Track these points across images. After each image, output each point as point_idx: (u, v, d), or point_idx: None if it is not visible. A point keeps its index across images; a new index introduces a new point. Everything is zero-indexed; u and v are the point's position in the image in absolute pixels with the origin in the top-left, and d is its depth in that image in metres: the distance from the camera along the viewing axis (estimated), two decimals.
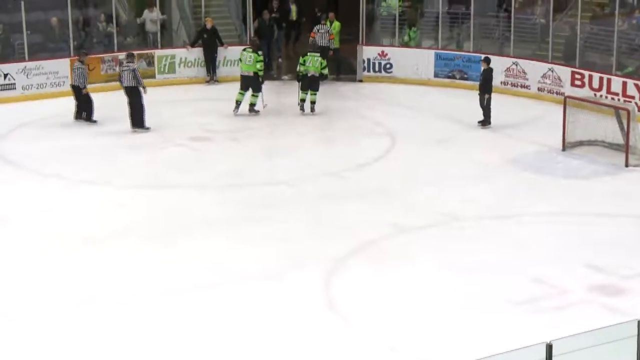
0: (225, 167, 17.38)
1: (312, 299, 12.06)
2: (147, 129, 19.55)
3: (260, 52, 20.98)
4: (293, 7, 25.34)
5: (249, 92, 20.87)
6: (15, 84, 21.94)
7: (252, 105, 20.99)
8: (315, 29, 23.08)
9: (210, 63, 23.25)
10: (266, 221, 14.70)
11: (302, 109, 21.06)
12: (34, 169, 17.22)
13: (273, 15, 24.38)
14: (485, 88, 19.52)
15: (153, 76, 23.21)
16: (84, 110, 20.26)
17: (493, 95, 19.71)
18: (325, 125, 20.39)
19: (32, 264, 13.20)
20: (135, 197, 15.90)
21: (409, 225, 14.49)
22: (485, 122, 19.62)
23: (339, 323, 11.49)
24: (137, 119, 19.63)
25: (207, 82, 23.13)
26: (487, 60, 19.80)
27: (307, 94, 21.02)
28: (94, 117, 20.21)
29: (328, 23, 23.48)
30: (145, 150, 18.40)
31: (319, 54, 21.18)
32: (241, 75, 20.98)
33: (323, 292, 12.25)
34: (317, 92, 21.14)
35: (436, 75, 23.32)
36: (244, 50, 21.15)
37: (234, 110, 20.77)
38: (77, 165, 17.36)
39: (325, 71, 21.21)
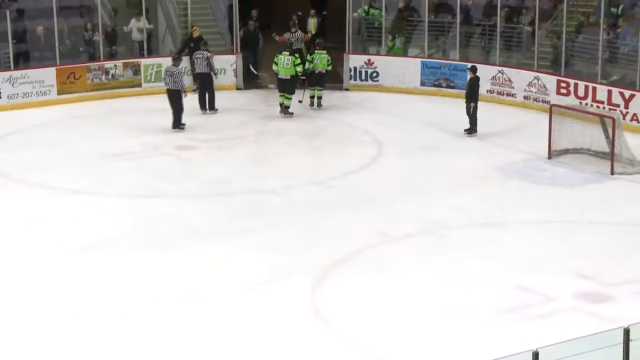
0: (213, 176, 17.36)
1: (299, 308, 12.06)
2: (216, 110, 21.49)
3: (297, 55, 21.63)
4: (312, 21, 25.04)
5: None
6: (0, 93, 21.86)
7: (286, 107, 21.44)
8: (288, 36, 22.96)
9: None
10: (253, 230, 14.69)
11: (312, 104, 21.82)
12: (20, 179, 17.15)
13: (254, 22, 24.31)
14: (472, 96, 19.58)
15: (139, 85, 23.16)
16: (174, 115, 20.34)
17: (479, 103, 19.76)
18: (312, 133, 20.42)
19: (19, 274, 13.15)
20: (123, 206, 15.86)
21: (397, 234, 14.51)
22: (472, 130, 19.68)
23: (326, 332, 11.49)
24: (211, 103, 21.45)
25: (194, 90, 23.08)
26: (474, 69, 19.88)
27: (315, 90, 21.84)
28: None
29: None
30: (132, 159, 18.34)
31: (325, 52, 21.81)
32: (278, 78, 21.41)
33: (311, 301, 12.25)
34: (324, 89, 21.98)
35: (422, 84, 23.36)
36: (280, 54, 21.44)
37: (280, 113, 21.25)
38: (63, 175, 17.31)
39: (330, 67, 22.03)
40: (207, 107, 21.54)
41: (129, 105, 22.28)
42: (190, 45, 23.03)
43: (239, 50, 23.78)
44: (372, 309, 12.05)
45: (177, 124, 20.26)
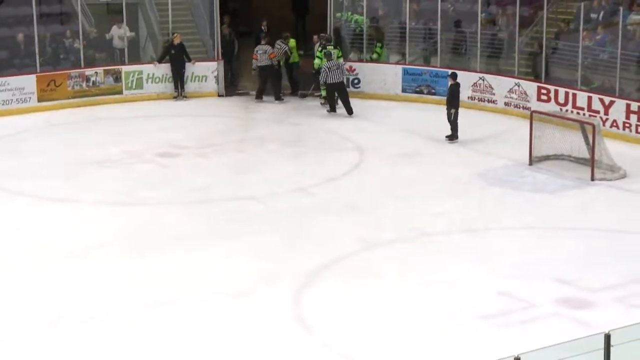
0: (194, 183, 17.33)
1: (282, 315, 12.05)
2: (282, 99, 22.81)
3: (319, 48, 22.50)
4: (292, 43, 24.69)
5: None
6: None
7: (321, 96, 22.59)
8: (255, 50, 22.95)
9: (179, 79, 23.21)
10: (235, 237, 14.68)
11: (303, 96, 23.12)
12: (0, 186, 17.05)
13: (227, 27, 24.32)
14: (452, 103, 19.64)
15: (120, 92, 23.12)
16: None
17: (460, 110, 19.82)
18: (293, 140, 20.43)
19: (2, 282, 13.06)
20: (104, 213, 15.81)
21: (378, 240, 14.53)
22: (453, 136, 19.74)
23: (308, 339, 11.48)
24: (276, 93, 22.88)
25: (175, 97, 23.08)
26: (454, 76, 19.95)
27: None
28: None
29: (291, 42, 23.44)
30: (113, 166, 18.29)
31: (333, 46, 22.36)
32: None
33: (293, 307, 12.25)
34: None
35: (404, 90, 23.43)
36: (325, 49, 22.21)
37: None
38: (44, 182, 17.24)
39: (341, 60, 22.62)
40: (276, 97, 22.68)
41: (110, 112, 22.23)
42: (171, 52, 23.01)
43: (220, 57, 23.76)
44: (354, 315, 12.06)
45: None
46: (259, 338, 11.46)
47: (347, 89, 22.66)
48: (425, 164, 18.53)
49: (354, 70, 23.71)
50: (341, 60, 22.51)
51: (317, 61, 22.53)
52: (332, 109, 21.99)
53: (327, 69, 21.70)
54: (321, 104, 22.64)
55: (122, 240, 14.56)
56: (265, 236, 14.72)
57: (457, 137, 19.72)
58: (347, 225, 15.17)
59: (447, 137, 19.78)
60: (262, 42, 22.73)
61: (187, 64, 23.28)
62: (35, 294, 12.67)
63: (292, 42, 23.50)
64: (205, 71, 23.51)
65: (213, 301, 12.45)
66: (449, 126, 19.79)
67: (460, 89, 20.05)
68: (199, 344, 11.33)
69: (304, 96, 23.29)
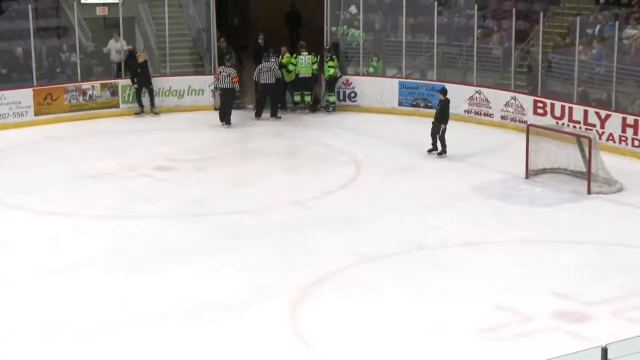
0: (190, 196, 17.30)
1: (279, 329, 12.01)
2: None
3: (314, 54, 23.00)
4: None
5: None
6: None
7: (307, 104, 23.07)
8: (258, 68, 22.93)
9: (146, 95, 22.99)
10: (232, 251, 14.65)
11: (306, 108, 23.24)
12: None
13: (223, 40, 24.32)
14: (442, 118, 19.57)
15: (117, 106, 23.12)
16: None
17: (456, 123, 19.82)
18: (290, 153, 20.43)
19: None
20: (100, 227, 15.77)
21: (375, 254, 14.51)
22: (442, 151, 19.63)
23: (306, 352, 11.44)
24: (274, 110, 22.69)
25: (137, 114, 22.79)
26: (444, 91, 19.95)
27: (301, 95, 23.08)
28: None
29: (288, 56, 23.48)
30: (109, 180, 18.27)
31: (307, 53, 22.91)
32: (298, 77, 23.00)
33: (290, 321, 12.21)
34: (311, 92, 23.17)
35: (400, 104, 23.48)
36: (300, 54, 22.81)
37: (305, 111, 23.01)
38: (41, 196, 17.21)
39: (316, 67, 23.16)
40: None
41: (106, 126, 22.24)
42: (137, 70, 22.83)
43: (217, 71, 23.78)
44: (351, 328, 12.03)
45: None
46: (256, 353, 11.42)
47: (339, 102, 23.36)
48: (421, 178, 18.53)
49: (351, 83, 23.75)
50: (315, 66, 23.15)
51: (332, 71, 22.98)
52: (259, 114, 22.68)
53: (258, 70, 22.47)
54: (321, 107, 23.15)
55: (117, 254, 14.53)
56: (261, 250, 14.70)
57: (445, 152, 19.62)
58: (344, 238, 15.15)
59: (429, 151, 19.65)
60: (227, 63, 22.21)
61: (154, 79, 23.13)
62: (30, 308, 12.62)
63: (287, 57, 23.44)
64: (202, 84, 23.51)
65: (209, 316, 12.40)
66: (430, 140, 19.64)
67: (457, 103, 20.07)
68: (195, 358, 11.28)
69: (314, 111, 23.34)
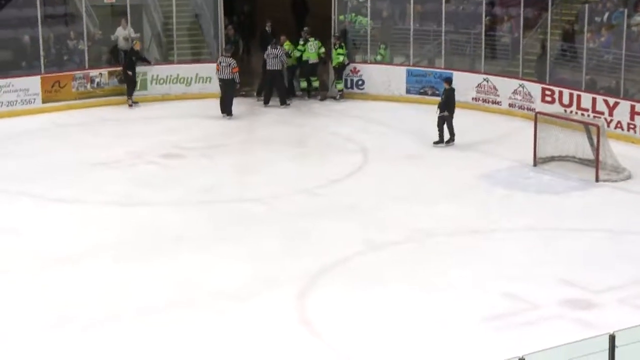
0: (198, 184, 17.29)
1: (285, 317, 12.02)
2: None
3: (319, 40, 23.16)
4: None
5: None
6: None
7: (316, 89, 23.14)
8: (265, 54, 22.91)
9: (135, 85, 22.87)
10: (239, 239, 14.65)
11: (310, 96, 23.17)
12: (4, 188, 17.04)
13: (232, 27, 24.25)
14: (447, 108, 19.43)
15: (124, 93, 23.06)
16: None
17: (464, 111, 19.73)
18: (297, 141, 20.40)
19: (4, 283, 13.06)
20: (108, 214, 15.80)
21: (382, 242, 14.50)
22: (450, 140, 19.48)
23: (313, 341, 11.46)
24: (282, 98, 22.49)
25: (132, 105, 22.62)
26: (449, 80, 19.83)
27: (305, 81, 23.14)
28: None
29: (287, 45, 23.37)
30: (117, 167, 18.26)
31: (313, 39, 23.03)
32: (306, 63, 23.03)
33: (297, 310, 12.22)
34: (318, 78, 23.26)
35: (408, 92, 23.41)
36: (307, 41, 22.98)
37: (317, 98, 23.14)
38: (48, 183, 17.21)
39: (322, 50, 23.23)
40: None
41: (114, 113, 22.19)
42: (132, 58, 22.71)
43: None
44: (358, 317, 12.03)
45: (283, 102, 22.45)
46: (262, 341, 11.43)
47: (346, 89, 23.20)
48: (429, 166, 18.49)
49: (358, 71, 23.71)
50: (321, 50, 23.24)
51: (341, 58, 23.00)
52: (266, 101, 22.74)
53: (266, 55, 22.61)
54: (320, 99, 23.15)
55: (124, 242, 14.54)
56: (268, 238, 14.69)
57: (453, 140, 19.54)
58: (351, 227, 15.14)
59: (435, 143, 19.48)
60: (226, 54, 22.01)
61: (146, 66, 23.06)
62: (38, 296, 12.66)
63: (287, 45, 23.37)
64: (210, 72, 23.49)
65: (216, 304, 12.42)
66: (436, 131, 19.51)
67: (465, 91, 20.00)
68: (203, 347, 11.31)
69: (324, 98, 23.29)
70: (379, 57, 23.88)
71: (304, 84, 23.37)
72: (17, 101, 22.05)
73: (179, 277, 13.27)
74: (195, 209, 16.07)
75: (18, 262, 13.83)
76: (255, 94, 23.48)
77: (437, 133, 19.50)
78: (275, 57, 22.46)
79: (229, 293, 12.70)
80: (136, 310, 12.22)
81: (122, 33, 23.48)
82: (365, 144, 19.81)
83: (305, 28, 23.68)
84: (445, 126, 19.46)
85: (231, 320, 11.97)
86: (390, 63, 23.92)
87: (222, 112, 21.84)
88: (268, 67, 22.65)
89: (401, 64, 23.80)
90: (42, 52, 22.40)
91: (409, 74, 23.43)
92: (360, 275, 13.35)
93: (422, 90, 23.24)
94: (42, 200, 16.40)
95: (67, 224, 15.37)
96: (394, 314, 12.14)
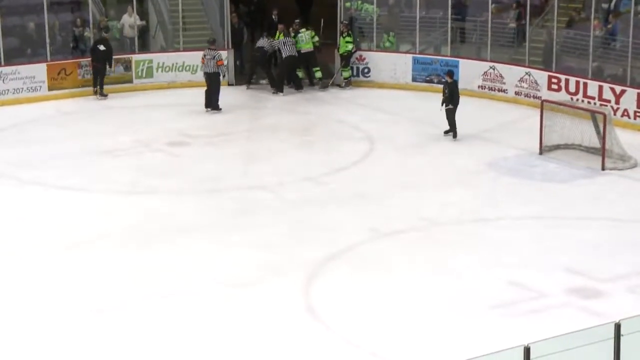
0: (204, 172, 17.29)
1: (292, 305, 12.05)
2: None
3: (311, 29, 23.22)
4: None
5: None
6: None
7: (319, 79, 23.05)
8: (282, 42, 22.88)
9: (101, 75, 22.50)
10: (245, 227, 14.66)
11: (322, 84, 23.13)
12: (10, 175, 17.08)
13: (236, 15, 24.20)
14: (451, 101, 19.32)
15: (130, 81, 23.08)
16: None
17: (464, 99, 19.57)
18: (304, 130, 20.42)
19: (11, 271, 13.11)
20: (114, 203, 15.81)
21: (388, 230, 14.50)
22: (455, 133, 19.33)
23: (319, 329, 11.49)
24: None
25: (100, 95, 22.40)
26: (451, 74, 19.59)
27: (303, 71, 23.11)
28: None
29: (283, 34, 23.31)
30: (123, 155, 18.26)
31: (305, 29, 23.01)
32: (302, 53, 22.80)
33: (303, 298, 12.24)
34: (318, 67, 23.14)
35: (414, 80, 23.35)
36: (299, 32, 22.84)
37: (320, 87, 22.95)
38: (55, 171, 17.22)
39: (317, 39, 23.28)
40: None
41: (120, 101, 22.16)
42: (101, 48, 22.40)
43: (230, 47, 23.74)
44: (364, 305, 12.05)
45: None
46: (269, 328, 11.47)
47: (352, 78, 23.31)
48: (435, 154, 18.47)
49: (365, 59, 23.66)
50: (316, 39, 23.24)
51: (350, 46, 22.98)
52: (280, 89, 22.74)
53: (282, 42, 22.75)
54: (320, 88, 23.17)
55: (130, 230, 14.56)
56: (274, 226, 14.70)
57: (456, 136, 19.32)
58: (357, 214, 15.15)
59: (446, 132, 19.42)
60: (212, 46, 21.68)
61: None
62: (44, 283, 12.70)
63: (281, 36, 23.25)
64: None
65: (222, 292, 12.45)
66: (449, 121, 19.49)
67: (471, 79, 19.89)
68: (209, 335, 11.34)
69: (325, 87, 23.25)
70: (387, 44, 23.81)
71: (301, 74, 23.18)
72: (23, 89, 22.03)
73: (186, 265, 13.29)
74: (201, 197, 16.08)
75: (26, 249, 13.85)
76: (265, 82, 23.36)
77: (446, 123, 19.36)
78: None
79: (236, 281, 12.72)
80: (143, 298, 12.26)
81: (128, 20, 23.45)
82: (372, 132, 19.76)
83: (297, 20, 23.38)
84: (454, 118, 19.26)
85: (237, 307, 12.00)
86: (397, 51, 23.84)
87: (207, 106, 21.24)
88: (286, 54, 22.57)
89: (407, 52, 23.72)
90: (47, 40, 22.36)
91: (415, 61, 23.36)
92: (366, 262, 13.37)
93: (428, 78, 23.18)
94: (48, 188, 16.42)
95: (74, 212, 15.38)
96: (400, 301, 12.16)
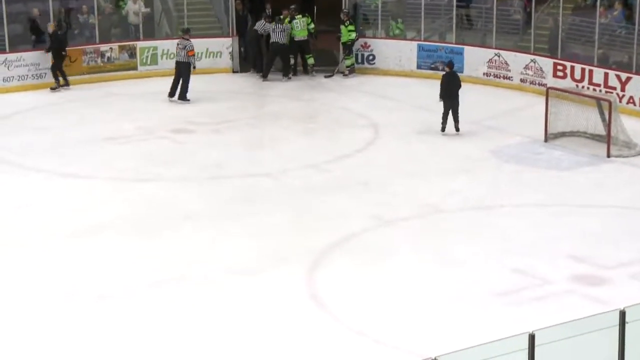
0: (208, 159, 17.27)
1: (295, 293, 12.03)
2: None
3: (307, 15, 23.23)
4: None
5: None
6: None
7: (312, 65, 23.06)
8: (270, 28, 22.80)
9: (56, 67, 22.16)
10: (248, 214, 14.63)
11: (302, 72, 23.13)
12: (14, 162, 17.08)
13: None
14: (446, 94, 18.51)
15: (135, 68, 23.04)
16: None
17: (468, 86, 19.49)
18: (307, 117, 20.38)
19: (17, 259, 13.11)
20: (117, 190, 15.79)
21: (392, 218, 14.48)
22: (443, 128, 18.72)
23: (323, 316, 11.48)
24: (286, 70, 22.56)
25: (55, 89, 21.90)
26: (451, 64, 19.16)
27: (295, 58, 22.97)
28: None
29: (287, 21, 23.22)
30: (127, 142, 18.24)
31: (301, 15, 22.92)
32: (295, 41, 22.75)
33: (306, 285, 12.22)
34: (311, 54, 23.12)
35: (419, 67, 23.29)
36: (294, 19, 22.75)
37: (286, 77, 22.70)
38: (58, 158, 17.22)
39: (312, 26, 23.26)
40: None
41: (124, 88, 22.13)
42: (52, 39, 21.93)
43: (234, 34, 23.69)
44: (368, 292, 12.04)
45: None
46: (272, 316, 11.46)
47: (357, 65, 23.30)
48: (439, 141, 18.41)
49: (369, 46, 23.59)
50: (310, 26, 23.20)
51: (353, 35, 22.95)
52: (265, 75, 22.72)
53: (271, 29, 22.65)
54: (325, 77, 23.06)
55: (134, 217, 14.54)
56: (278, 213, 14.68)
57: (444, 130, 18.72)
58: (361, 202, 15.13)
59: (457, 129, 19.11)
60: (185, 36, 21.32)
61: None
62: (48, 270, 12.70)
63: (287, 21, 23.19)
64: (220, 47, 23.42)
65: (225, 279, 12.44)
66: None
67: (476, 66, 19.76)
68: (213, 322, 11.35)
69: (330, 75, 23.17)
70: (397, 32, 23.72)
71: (292, 61, 23.04)
72: (27, 75, 22.01)
73: (189, 252, 13.27)
74: (205, 184, 16.05)
75: (27, 236, 13.85)
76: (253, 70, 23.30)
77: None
78: (283, 31, 22.34)
79: (238, 268, 12.70)
80: (144, 285, 12.25)
81: (133, 7, 23.40)
82: (376, 119, 19.71)
83: (292, 6, 23.24)
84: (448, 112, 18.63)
85: (241, 295, 11.99)
86: (402, 38, 23.75)
87: (170, 95, 20.90)
88: (273, 40, 22.54)
89: (412, 39, 23.64)
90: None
91: (420, 49, 23.28)
92: (369, 250, 13.35)
93: (433, 66, 23.09)
94: (52, 175, 16.40)
95: (76, 199, 15.37)
96: (404, 289, 12.14)
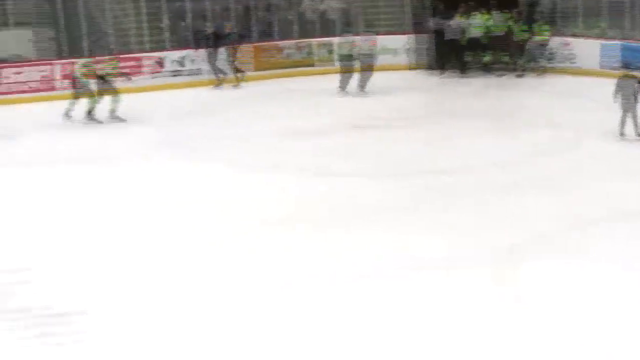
0: (388, 156, 16.72)
1: (483, 291, 10.96)
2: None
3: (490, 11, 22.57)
4: None
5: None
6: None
7: (486, 64, 22.69)
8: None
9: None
10: (434, 210, 13.83)
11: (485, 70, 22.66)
12: (195, 157, 16.97)
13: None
14: (623, 99, 17.08)
15: (312, 64, 23.28)
16: None
17: None
18: (493, 114, 19.49)
19: (215, 250, 12.59)
20: (300, 184, 15.27)
21: (582, 219, 13.12)
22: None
23: (524, 318, 10.29)
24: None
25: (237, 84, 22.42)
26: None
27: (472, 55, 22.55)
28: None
29: None
30: (307, 139, 17.91)
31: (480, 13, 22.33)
32: (471, 38, 22.47)
33: (498, 285, 11.16)
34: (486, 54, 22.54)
35: (623, 68, 21.46)
36: (470, 16, 22.39)
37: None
38: (243, 153, 17.08)
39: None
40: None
41: (301, 84, 22.30)
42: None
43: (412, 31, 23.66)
44: (568, 293, 10.82)
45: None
46: (466, 312, 10.48)
47: (557, 64, 22.45)
48: (637, 145, 16.68)
49: (569, 44, 22.60)
50: (490, 22, 22.40)
51: (526, 35, 22.36)
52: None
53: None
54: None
55: (315, 211, 13.87)
56: (463, 210, 13.75)
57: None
58: (549, 202, 13.86)
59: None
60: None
61: None
62: (239, 262, 12.11)
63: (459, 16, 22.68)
64: (397, 44, 23.29)
65: (413, 275, 11.51)
66: None
67: None
68: (403, 322, 10.39)
69: (520, 76, 22.48)
70: (598, 32, 22.67)
71: (469, 57, 22.82)
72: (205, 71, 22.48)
73: (372, 248, 12.46)
74: (389, 180, 15.36)
75: (210, 227, 13.42)
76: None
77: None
78: (458, 26, 22.15)
79: (429, 265, 11.78)
80: (328, 280, 11.46)
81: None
82: (569, 120, 18.45)
83: (470, 3, 22.81)
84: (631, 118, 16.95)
85: (429, 290, 11.06)
86: (604, 37, 22.43)
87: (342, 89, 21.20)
88: (447, 37, 22.39)
89: (615, 38, 22.14)
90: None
91: (625, 48, 21.58)
92: (562, 250, 12.11)
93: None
94: (234, 169, 16.06)
95: (263, 192, 14.93)
96: (600, 291, 10.80)
